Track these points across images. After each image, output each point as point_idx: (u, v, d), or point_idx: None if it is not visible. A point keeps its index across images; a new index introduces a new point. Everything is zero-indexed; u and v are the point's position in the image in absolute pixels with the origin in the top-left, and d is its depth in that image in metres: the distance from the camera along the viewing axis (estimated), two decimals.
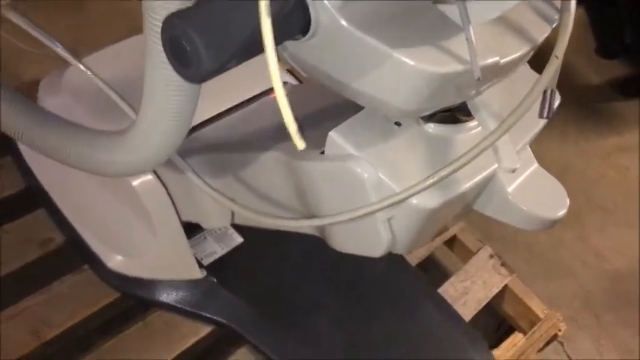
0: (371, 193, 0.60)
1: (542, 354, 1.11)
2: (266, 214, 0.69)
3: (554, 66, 0.54)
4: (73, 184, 0.94)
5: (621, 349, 1.30)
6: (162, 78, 0.52)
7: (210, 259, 0.99)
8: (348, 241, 0.69)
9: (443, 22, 0.53)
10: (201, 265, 0.97)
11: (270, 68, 0.36)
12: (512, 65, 0.57)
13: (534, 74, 0.69)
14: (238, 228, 1.03)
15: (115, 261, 0.93)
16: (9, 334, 0.87)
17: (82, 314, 0.91)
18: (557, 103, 0.64)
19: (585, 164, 1.63)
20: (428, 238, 0.70)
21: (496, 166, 0.63)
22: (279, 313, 0.97)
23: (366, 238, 0.65)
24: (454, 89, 0.55)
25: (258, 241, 1.02)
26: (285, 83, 0.95)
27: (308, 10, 0.50)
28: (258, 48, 0.43)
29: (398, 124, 0.64)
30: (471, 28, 0.51)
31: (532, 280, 1.23)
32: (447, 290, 1.11)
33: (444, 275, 1.16)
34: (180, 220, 0.90)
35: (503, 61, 0.54)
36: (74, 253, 0.96)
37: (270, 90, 0.92)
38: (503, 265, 1.16)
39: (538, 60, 0.61)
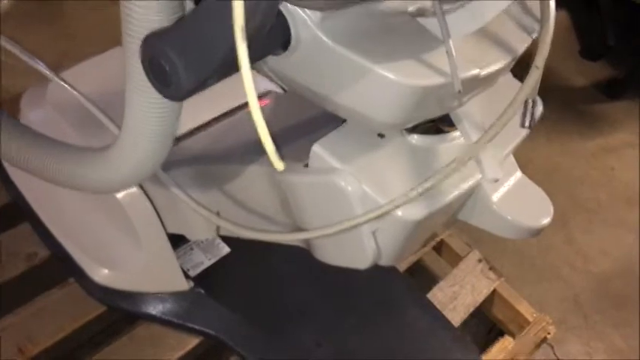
0: (355, 206, 0.60)
1: (532, 357, 1.11)
2: (250, 228, 0.69)
3: (534, 77, 0.55)
4: (57, 198, 0.93)
5: (610, 349, 1.31)
6: (142, 96, 0.52)
7: (198, 270, 0.99)
8: (334, 253, 0.69)
9: (423, 36, 0.53)
10: (188, 276, 0.96)
11: (248, 94, 0.36)
12: (493, 77, 0.58)
13: (517, 83, 0.70)
14: (225, 238, 1.02)
15: (101, 274, 0.92)
16: None
17: (68, 329, 0.91)
18: (539, 112, 0.64)
19: (571, 165, 1.64)
20: (413, 248, 0.70)
21: (480, 176, 0.63)
22: (268, 323, 0.96)
23: (352, 250, 0.65)
24: (436, 102, 0.56)
25: (245, 251, 1.01)
26: (269, 92, 0.95)
27: (288, 26, 0.50)
28: (237, 66, 0.43)
29: (381, 135, 0.64)
30: (450, 42, 0.51)
31: (521, 284, 1.23)
32: (436, 295, 1.11)
33: (432, 280, 1.16)
34: (165, 231, 0.90)
35: (483, 73, 0.55)
36: (59, 267, 0.95)
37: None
38: (491, 269, 1.16)
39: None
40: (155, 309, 0.93)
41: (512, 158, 0.70)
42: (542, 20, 0.58)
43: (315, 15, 0.49)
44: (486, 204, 0.65)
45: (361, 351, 0.99)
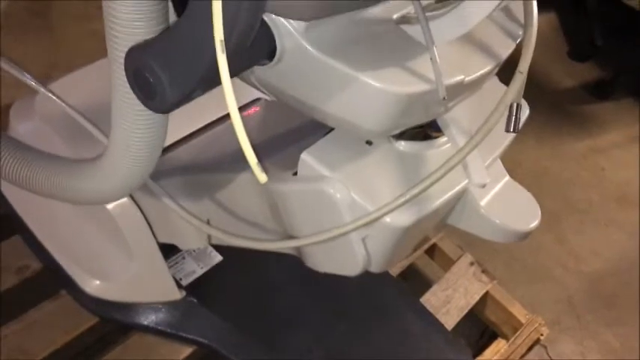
0: (344, 214, 0.60)
1: (525, 359, 1.12)
2: (241, 237, 0.69)
3: (518, 82, 0.55)
4: (47, 210, 0.93)
5: (604, 349, 1.31)
6: (128, 108, 0.52)
7: (190, 279, 0.99)
8: (324, 260, 0.69)
9: (407, 43, 0.54)
10: (180, 286, 0.96)
11: (230, 106, 0.36)
12: (478, 82, 0.58)
13: (503, 87, 0.70)
14: (217, 246, 1.02)
15: (93, 285, 0.92)
16: None
17: (60, 341, 0.90)
18: (524, 116, 0.65)
19: (561, 166, 1.65)
20: (403, 254, 0.71)
21: (467, 181, 0.63)
22: (261, 330, 0.96)
23: (342, 257, 0.65)
24: (421, 108, 0.56)
25: (237, 259, 1.01)
26: (259, 99, 0.95)
27: (273, 36, 0.50)
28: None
29: (369, 142, 0.64)
30: (434, 48, 0.51)
31: (513, 285, 1.24)
32: (429, 300, 1.11)
33: (425, 284, 1.16)
34: (157, 241, 0.90)
35: (468, 79, 0.55)
36: (51, 279, 0.95)
37: (244, 107, 0.92)
38: (483, 272, 1.17)
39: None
40: (148, 319, 0.93)
41: (499, 162, 0.70)
42: (526, 25, 0.58)
43: (300, 25, 0.49)
44: (474, 208, 0.66)
45: (355, 357, 0.99)
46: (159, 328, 0.93)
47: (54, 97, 0.77)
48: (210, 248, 1.02)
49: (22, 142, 0.74)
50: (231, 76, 0.38)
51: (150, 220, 0.87)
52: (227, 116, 0.96)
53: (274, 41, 0.50)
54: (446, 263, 1.20)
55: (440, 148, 0.65)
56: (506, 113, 0.57)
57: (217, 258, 1.02)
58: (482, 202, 0.66)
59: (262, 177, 0.39)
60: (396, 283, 1.11)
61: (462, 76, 0.55)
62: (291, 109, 0.79)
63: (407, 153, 0.65)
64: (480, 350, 1.09)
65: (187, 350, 0.94)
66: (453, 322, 1.09)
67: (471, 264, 1.18)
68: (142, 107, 0.49)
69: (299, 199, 0.64)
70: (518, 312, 1.14)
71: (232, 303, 0.98)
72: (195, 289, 0.97)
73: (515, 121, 0.57)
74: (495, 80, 0.70)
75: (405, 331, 1.04)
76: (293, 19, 0.49)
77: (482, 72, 0.57)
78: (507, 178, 0.70)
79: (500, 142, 0.68)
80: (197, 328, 0.94)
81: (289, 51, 0.50)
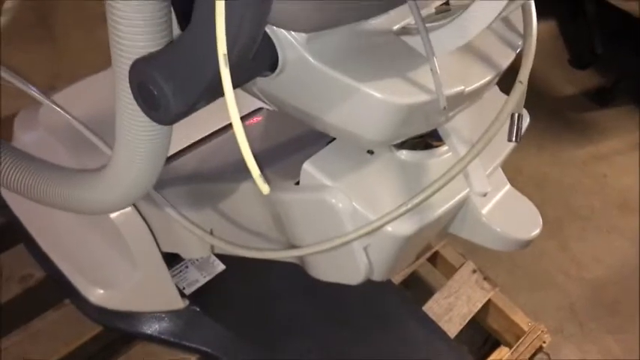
0: (346, 223, 0.60)
1: None
2: (244, 247, 0.69)
3: (518, 92, 0.56)
4: (51, 219, 0.93)
5: (607, 356, 1.31)
6: (132, 120, 0.52)
7: (193, 288, 0.99)
8: (326, 269, 0.69)
9: (407, 54, 0.54)
10: (183, 295, 0.97)
11: (233, 119, 0.36)
12: (478, 92, 0.58)
13: (504, 96, 0.71)
14: (220, 255, 1.03)
15: (96, 294, 0.92)
16: None
17: (64, 350, 0.91)
18: (525, 124, 0.65)
19: (562, 173, 1.65)
20: (405, 263, 0.71)
21: (468, 190, 0.64)
22: (264, 339, 0.97)
23: (344, 266, 0.66)
24: (422, 118, 0.56)
25: (240, 268, 1.02)
26: (261, 109, 0.96)
27: (275, 48, 0.51)
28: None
29: (371, 152, 0.65)
30: (435, 59, 0.52)
31: (516, 293, 1.24)
32: (432, 307, 1.11)
33: (428, 292, 1.17)
34: (160, 250, 0.90)
35: (468, 89, 0.56)
36: (54, 289, 0.95)
37: (247, 117, 0.93)
38: (486, 279, 1.17)
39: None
40: (151, 328, 0.93)
41: (500, 171, 0.70)
42: (526, 35, 0.59)
43: (301, 36, 0.50)
44: (476, 217, 0.66)
45: None
46: (162, 337, 0.93)
47: (58, 109, 0.77)
48: (213, 257, 1.03)
49: (25, 151, 0.74)
50: (234, 87, 0.39)
51: (153, 229, 0.88)
52: (230, 126, 0.96)
53: (276, 53, 0.51)
54: (448, 271, 1.20)
55: (441, 158, 0.66)
56: (507, 123, 0.57)
57: (220, 267, 1.02)
58: (484, 211, 0.66)
59: (265, 188, 0.39)
60: (399, 291, 1.11)
61: (462, 87, 0.55)
62: (292, 118, 0.80)
63: (408, 162, 0.65)
64: (482, 358, 1.09)
65: (190, 359, 0.94)
66: (455, 329, 1.09)
67: (474, 271, 1.18)
68: (146, 119, 0.50)
69: (301, 209, 0.65)
70: (521, 319, 1.14)
71: (235, 312, 0.99)
72: (199, 298, 0.97)
73: (517, 131, 0.58)
74: (496, 89, 0.71)
75: (407, 339, 1.04)
76: (295, 30, 0.50)
77: (482, 82, 0.57)
78: (508, 186, 0.71)
79: (501, 151, 0.68)
80: (200, 336, 0.94)
81: (291, 62, 0.51)
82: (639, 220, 1.56)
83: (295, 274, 0.98)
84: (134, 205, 0.86)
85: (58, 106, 0.77)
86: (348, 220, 0.60)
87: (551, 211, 1.51)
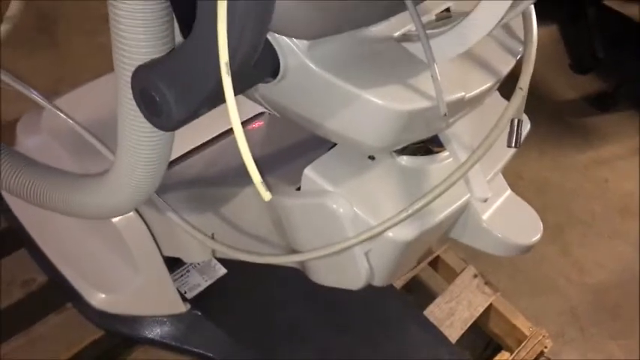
0: (347, 228, 0.61)
1: None
2: (245, 251, 0.69)
3: (518, 98, 0.56)
4: (53, 224, 0.94)
5: None
6: (134, 125, 0.53)
7: (194, 292, 0.99)
8: (327, 274, 0.69)
9: (408, 61, 0.55)
10: (185, 299, 0.97)
11: (235, 127, 0.37)
12: (479, 98, 0.59)
13: (504, 102, 0.71)
14: (222, 259, 1.03)
15: (98, 298, 0.93)
16: None
17: (65, 354, 0.91)
18: (525, 130, 0.66)
19: (563, 178, 1.65)
20: (406, 268, 0.71)
21: (469, 195, 0.64)
22: (265, 343, 0.97)
23: (345, 271, 0.66)
24: (423, 124, 0.57)
25: (242, 272, 1.02)
26: (263, 113, 0.96)
27: (276, 54, 0.51)
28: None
29: (372, 157, 0.65)
30: (435, 66, 0.52)
31: (517, 297, 1.24)
32: (433, 312, 1.11)
33: (429, 296, 1.17)
34: (161, 255, 0.90)
35: (468, 95, 0.56)
36: (56, 293, 0.95)
37: (248, 121, 0.93)
38: (487, 284, 1.17)
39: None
40: (152, 332, 0.94)
41: (501, 176, 0.71)
42: (526, 42, 0.59)
43: (302, 43, 0.50)
44: (477, 222, 0.66)
45: None
46: (163, 341, 0.94)
47: (60, 114, 0.78)
48: (215, 261, 1.03)
49: (28, 156, 0.75)
50: (236, 94, 0.39)
51: (155, 233, 0.88)
52: (231, 130, 0.97)
53: (278, 59, 0.51)
54: (449, 275, 1.20)
55: (442, 163, 0.66)
56: (508, 128, 0.57)
57: (222, 271, 1.03)
58: (485, 216, 0.67)
59: (266, 195, 0.39)
60: (400, 295, 1.12)
61: (463, 93, 0.55)
62: (294, 124, 0.80)
63: (409, 168, 0.65)
64: None
65: None
66: (456, 334, 1.09)
67: (475, 276, 1.18)
68: (149, 125, 0.50)
69: (302, 214, 0.65)
70: (522, 324, 1.14)
71: (236, 316, 0.99)
72: (200, 302, 0.98)
73: (517, 137, 0.58)
74: (497, 95, 0.71)
75: (408, 344, 1.04)
76: (296, 37, 0.50)
77: (482, 88, 0.57)
78: (509, 192, 0.71)
79: (501, 157, 0.69)
80: (201, 341, 0.94)
81: (292, 69, 0.51)
82: None
83: (297, 278, 0.98)
84: (136, 210, 0.86)
85: (61, 110, 0.78)
86: (349, 225, 0.61)
87: (553, 216, 1.51)
